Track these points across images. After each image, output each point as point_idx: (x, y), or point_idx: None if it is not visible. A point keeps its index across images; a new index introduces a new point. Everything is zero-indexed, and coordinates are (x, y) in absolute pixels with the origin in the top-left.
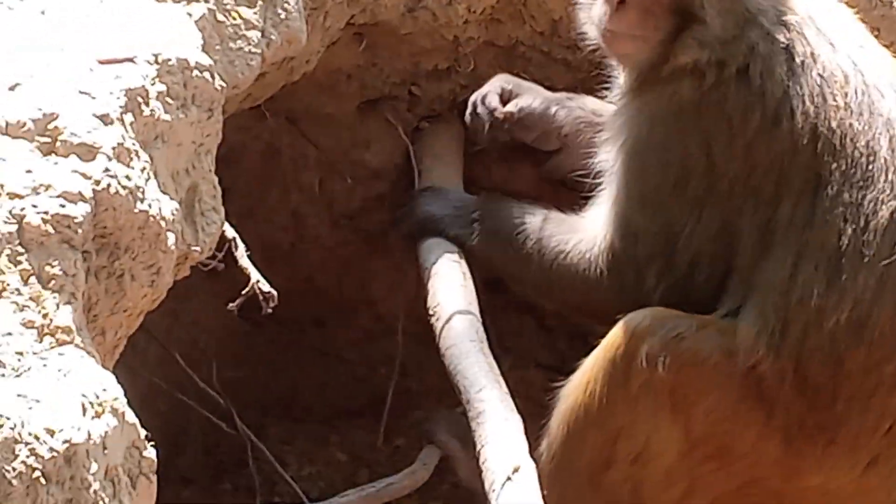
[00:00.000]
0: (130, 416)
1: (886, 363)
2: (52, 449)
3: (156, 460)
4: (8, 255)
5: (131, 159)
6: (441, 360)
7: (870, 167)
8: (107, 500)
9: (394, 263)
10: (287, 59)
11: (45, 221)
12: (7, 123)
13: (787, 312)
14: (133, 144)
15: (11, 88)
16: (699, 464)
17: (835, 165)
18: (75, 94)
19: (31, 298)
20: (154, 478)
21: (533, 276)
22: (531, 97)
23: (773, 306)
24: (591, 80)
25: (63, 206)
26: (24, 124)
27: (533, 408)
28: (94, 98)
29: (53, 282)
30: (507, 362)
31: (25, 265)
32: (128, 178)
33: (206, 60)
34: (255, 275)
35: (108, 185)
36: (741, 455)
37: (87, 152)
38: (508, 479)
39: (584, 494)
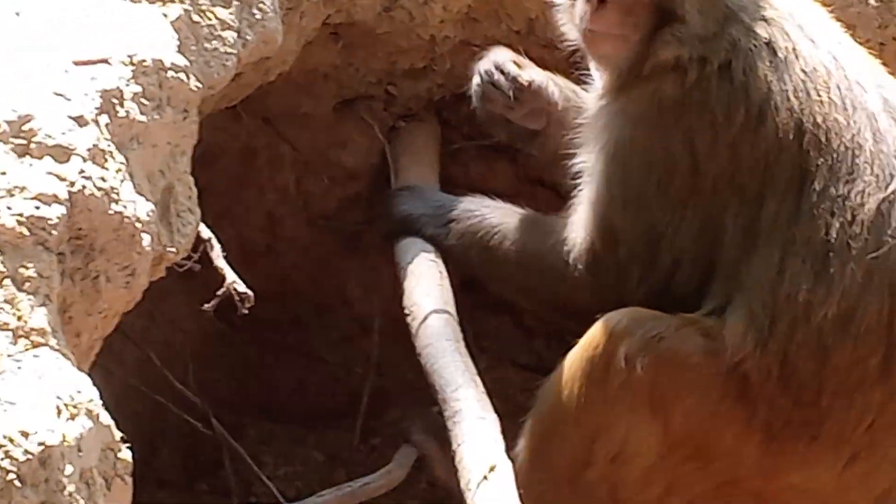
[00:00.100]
0: (105, 418)
1: (871, 357)
2: (26, 451)
3: (131, 462)
4: None
5: (106, 161)
6: (417, 360)
7: (855, 161)
8: (82, 502)
9: (370, 263)
10: (263, 59)
11: (19, 223)
12: None
13: (775, 308)
14: (108, 146)
15: None
16: (678, 464)
17: (821, 160)
18: (50, 96)
19: (5, 300)
20: (129, 479)
21: (510, 276)
22: (535, 70)
23: (760, 302)
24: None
25: (38, 207)
26: None
27: (510, 407)
28: (69, 99)
29: (28, 284)
30: (484, 362)
31: (0, 267)
32: (103, 179)
33: (181, 61)
34: (230, 275)
35: (83, 187)
36: (720, 455)
37: (62, 154)
38: (484, 478)
39: (562, 494)
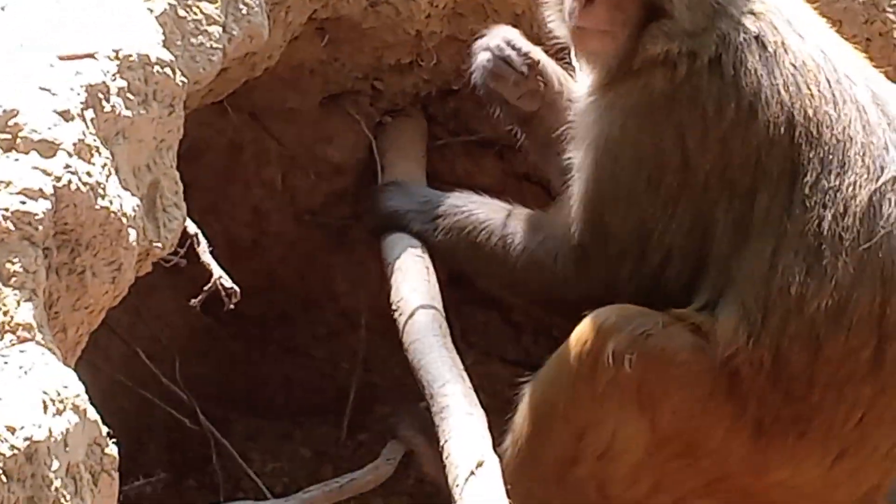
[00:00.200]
0: (92, 413)
1: (863, 349)
2: (12, 446)
3: (117, 457)
4: None
5: (92, 155)
6: (405, 355)
7: (847, 153)
8: (68, 497)
9: (357, 258)
10: (249, 54)
11: (5, 218)
12: None
13: (768, 301)
14: (94, 140)
15: None
16: (666, 461)
17: (812, 153)
18: (36, 91)
19: None
20: (116, 475)
21: (497, 272)
22: (536, 49)
23: (753, 296)
24: None
25: (24, 202)
26: None
27: (497, 403)
28: (54, 94)
29: (14, 279)
30: (471, 357)
31: None
32: (89, 174)
33: (167, 56)
34: (217, 270)
35: (69, 182)
36: (708, 452)
37: (48, 149)
38: (472, 473)
39: (550, 490)
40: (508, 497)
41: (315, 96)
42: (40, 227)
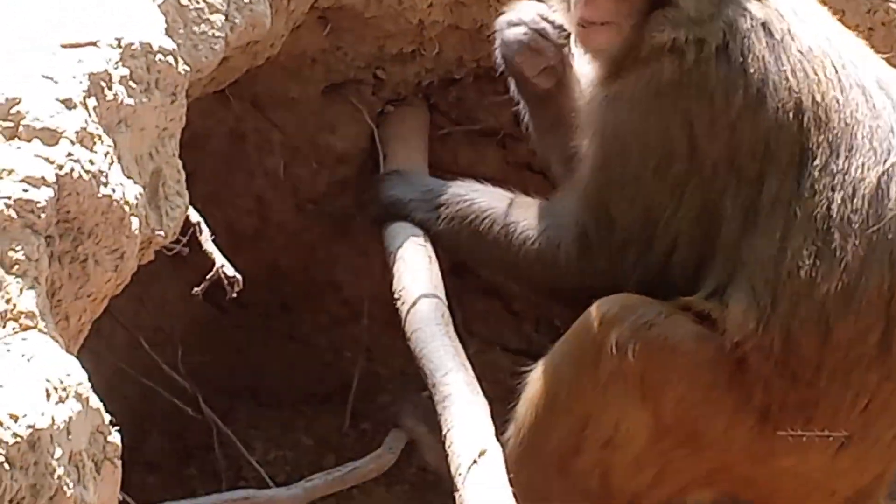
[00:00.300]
0: (94, 401)
1: (871, 333)
2: (15, 434)
3: (120, 445)
4: None
5: (94, 144)
6: (407, 345)
7: (854, 136)
8: (71, 485)
9: (359, 248)
10: (251, 42)
11: (7, 206)
12: None
13: (777, 285)
14: (96, 129)
15: None
16: (669, 450)
17: (821, 137)
18: (38, 79)
19: None
20: (119, 463)
21: (500, 260)
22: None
23: (762, 280)
24: None
25: (26, 190)
26: None
27: (499, 391)
28: (56, 82)
29: (16, 267)
30: (474, 346)
31: None
32: (91, 162)
33: (169, 44)
34: (219, 259)
35: (72, 170)
36: (712, 441)
37: (50, 137)
38: (475, 462)
39: (552, 479)
40: (511, 486)
41: (317, 85)
42: (43, 216)
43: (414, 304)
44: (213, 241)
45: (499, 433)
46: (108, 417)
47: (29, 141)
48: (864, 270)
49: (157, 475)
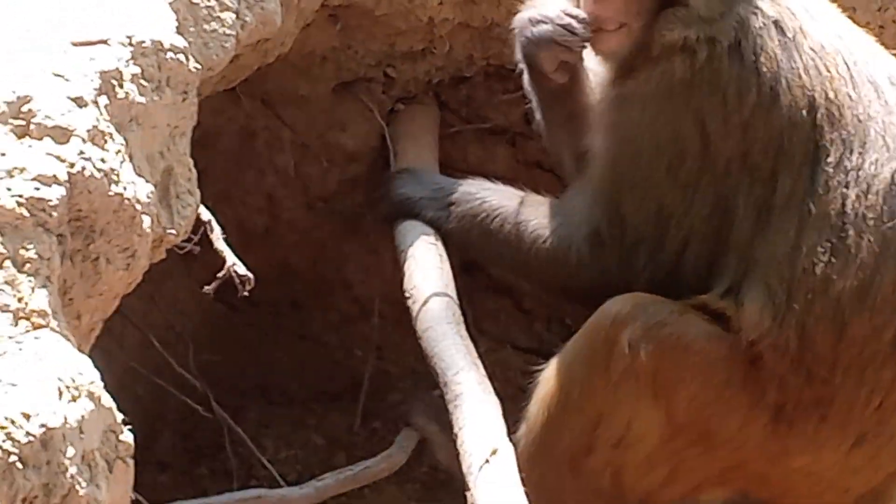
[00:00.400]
0: (107, 400)
1: (886, 329)
2: (28, 433)
3: (133, 444)
4: None
5: (106, 142)
6: (418, 343)
7: (868, 132)
8: (84, 484)
9: (370, 246)
10: (262, 40)
11: (19, 205)
12: None
13: (792, 282)
14: (108, 127)
15: None
16: (681, 449)
17: (834, 134)
18: (49, 77)
19: (5, 282)
20: (131, 462)
21: (511, 259)
22: None
23: (777, 278)
24: None
25: (38, 189)
26: None
27: (510, 390)
28: (68, 80)
29: (28, 265)
30: (484, 344)
31: (0, 249)
32: (103, 160)
33: (180, 42)
34: (230, 257)
35: (83, 168)
36: (725, 440)
37: (62, 135)
38: (486, 461)
39: (564, 478)
40: (523, 485)
41: (328, 83)
42: (54, 214)
43: (425, 302)
44: (224, 239)
45: (510, 432)
46: (120, 416)
47: (40, 139)
48: (880, 267)
49: (169, 474)
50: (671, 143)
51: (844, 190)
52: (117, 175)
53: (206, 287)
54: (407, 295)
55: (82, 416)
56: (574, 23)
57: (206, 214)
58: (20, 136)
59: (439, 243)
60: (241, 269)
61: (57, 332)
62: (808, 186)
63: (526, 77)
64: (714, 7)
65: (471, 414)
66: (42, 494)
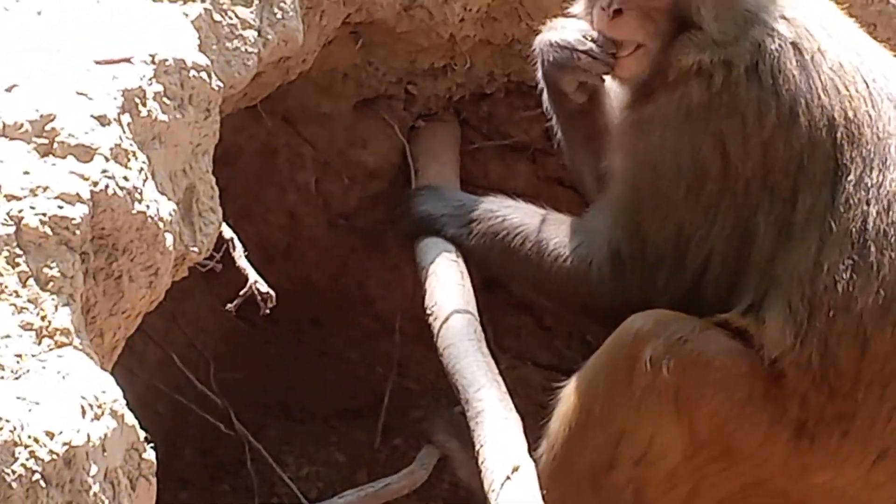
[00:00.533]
0: (130, 418)
1: None
2: (51, 451)
3: (155, 462)
4: (6, 257)
5: (129, 160)
6: (439, 360)
7: (888, 150)
8: (106, 502)
9: (391, 263)
10: (283, 58)
11: (42, 223)
12: (4, 125)
13: (814, 300)
14: (130, 145)
15: (8, 90)
16: (704, 465)
17: (854, 152)
18: (73, 95)
19: (29, 300)
20: (154, 480)
21: (532, 277)
22: None
23: (799, 296)
24: None
25: (61, 207)
26: (22, 125)
27: (531, 407)
28: (91, 99)
29: (52, 283)
30: (505, 361)
31: (24, 267)
32: (125, 178)
33: (202, 60)
34: (252, 275)
35: (106, 187)
36: (747, 456)
37: (85, 153)
38: (508, 478)
39: (586, 495)
40: (544, 502)
41: (349, 100)
42: (77, 232)
43: (446, 319)
44: (246, 256)
45: (531, 449)
46: (143, 434)
47: (63, 157)
48: None
49: (190, 491)
50: (691, 165)
51: (865, 207)
52: (140, 193)
53: (229, 305)
54: (428, 312)
55: (105, 435)
56: (595, 47)
57: (228, 232)
58: (43, 155)
59: (460, 260)
60: (263, 287)
61: (80, 350)
62: (829, 204)
63: (546, 96)
64: (728, 31)
65: (492, 431)
66: None
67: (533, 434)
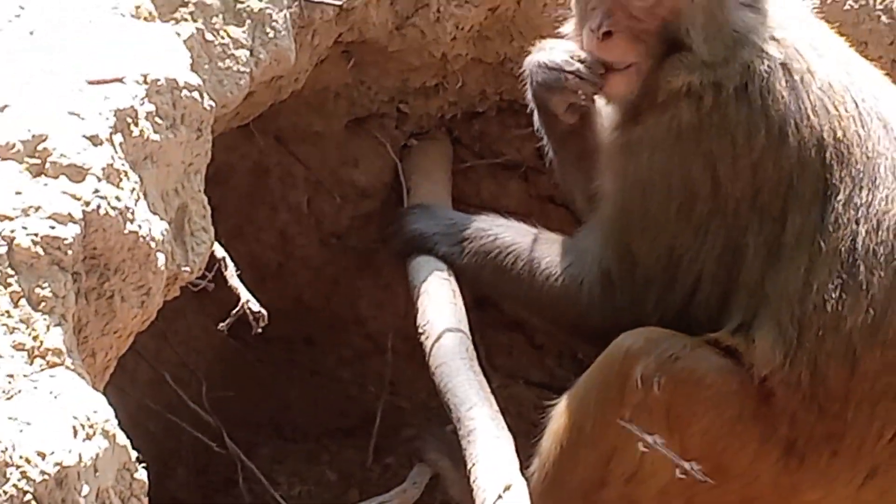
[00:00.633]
0: (121, 438)
1: None
2: (43, 472)
3: (147, 482)
4: None
5: (121, 180)
6: (431, 378)
7: (877, 169)
8: None
9: (383, 282)
10: (275, 77)
11: (34, 243)
12: None
13: (804, 319)
14: (122, 165)
15: (1, 109)
16: (694, 483)
17: (844, 172)
18: (64, 115)
19: (21, 320)
20: (146, 500)
21: (523, 296)
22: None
23: (788, 315)
24: None
25: (53, 227)
26: (14, 146)
27: (523, 425)
28: (83, 119)
29: (43, 304)
30: (496, 380)
31: (15, 287)
32: (117, 198)
33: (194, 80)
34: (244, 294)
35: (98, 206)
36: (737, 474)
37: (77, 173)
38: (499, 497)
39: None
40: None
41: (341, 119)
42: (69, 252)
43: (438, 338)
44: (238, 276)
45: (523, 467)
46: (134, 454)
47: (56, 177)
48: (891, 302)
49: None
50: (681, 186)
51: (854, 226)
52: (132, 213)
53: (221, 324)
54: (420, 330)
55: (97, 455)
56: (583, 68)
57: (220, 251)
58: (35, 175)
59: (452, 279)
60: (255, 306)
61: (72, 370)
62: (818, 224)
63: (536, 117)
64: (717, 52)
65: (484, 449)
66: None
67: (525, 452)
